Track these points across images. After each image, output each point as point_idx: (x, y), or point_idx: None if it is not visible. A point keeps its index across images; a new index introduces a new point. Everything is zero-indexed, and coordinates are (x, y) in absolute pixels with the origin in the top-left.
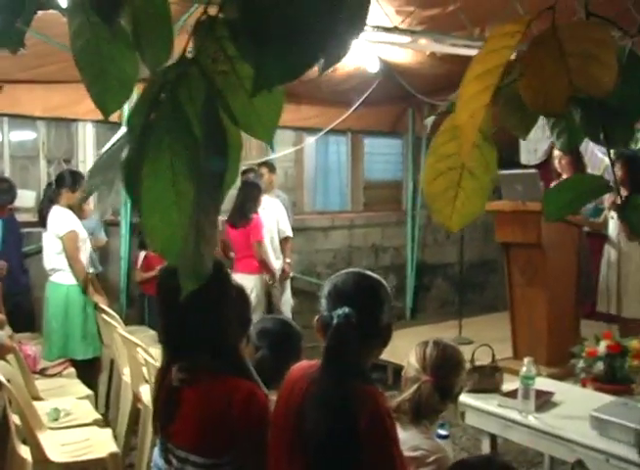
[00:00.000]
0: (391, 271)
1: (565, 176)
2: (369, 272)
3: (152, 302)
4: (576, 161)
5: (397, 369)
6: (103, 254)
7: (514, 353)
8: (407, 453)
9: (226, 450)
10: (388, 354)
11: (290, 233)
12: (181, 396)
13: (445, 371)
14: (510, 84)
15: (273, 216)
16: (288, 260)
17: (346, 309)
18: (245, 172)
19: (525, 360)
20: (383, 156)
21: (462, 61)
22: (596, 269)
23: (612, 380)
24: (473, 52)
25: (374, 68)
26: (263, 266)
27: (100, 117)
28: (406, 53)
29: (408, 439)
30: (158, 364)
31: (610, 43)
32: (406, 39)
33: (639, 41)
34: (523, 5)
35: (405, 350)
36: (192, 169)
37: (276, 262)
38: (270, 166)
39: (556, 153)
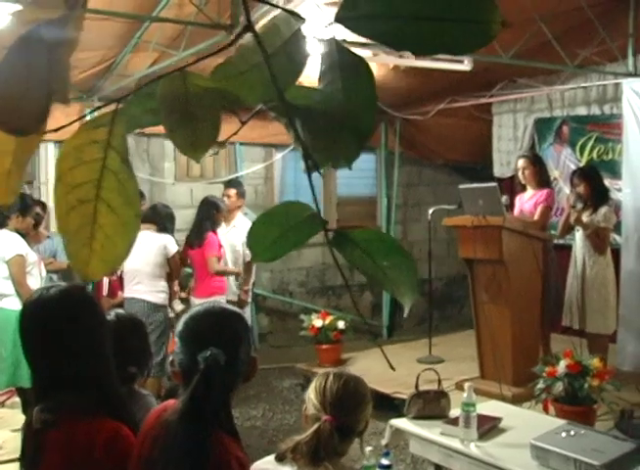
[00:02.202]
0: (367, 289)
1: (529, 188)
2: (225, 305)
3: None
4: (540, 172)
5: None
6: (66, 276)
7: (480, 373)
8: None
9: None
10: None
11: None
12: (45, 439)
13: (347, 408)
14: (172, 97)
15: (242, 235)
16: (246, 288)
17: (214, 350)
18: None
19: (466, 386)
20: (355, 171)
21: (427, 73)
22: (565, 283)
23: (573, 401)
24: (437, 64)
25: None
26: (224, 275)
27: (61, 137)
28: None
29: None
30: None
31: None
32: (367, 53)
33: None
34: None
35: (375, 372)
36: None
37: (235, 283)
38: (240, 193)
39: (519, 164)
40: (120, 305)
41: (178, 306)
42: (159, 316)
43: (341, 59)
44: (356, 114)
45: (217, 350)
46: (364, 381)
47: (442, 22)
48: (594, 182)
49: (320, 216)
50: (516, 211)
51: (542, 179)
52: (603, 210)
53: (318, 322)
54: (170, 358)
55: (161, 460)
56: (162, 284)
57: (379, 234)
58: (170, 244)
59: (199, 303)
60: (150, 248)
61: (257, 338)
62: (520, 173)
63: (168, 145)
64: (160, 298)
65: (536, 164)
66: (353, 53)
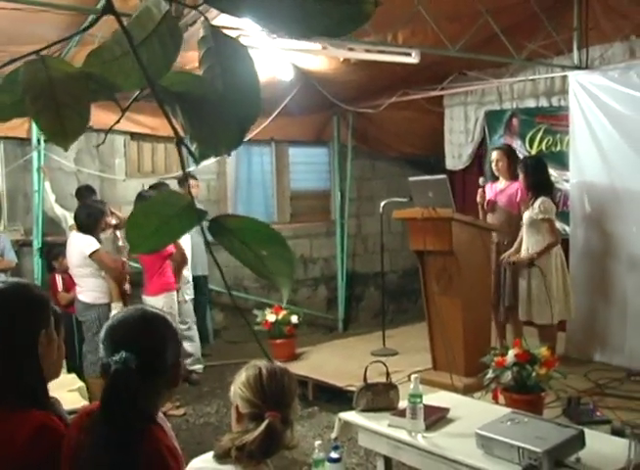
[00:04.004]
0: (322, 282)
1: (502, 180)
2: (151, 309)
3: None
4: (514, 164)
5: (319, 385)
6: (15, 275)
7: (433, 365)
8: None
9: None
10: (308, 370)
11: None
12: None
13: (286, 402)
14: (35, 83)
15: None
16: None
17: (124, 354)
18: (156, 186)
19: (412, 377)
20: (309, 165)
21: (378, 66)
22: None
23: (522, 389)
24: (385, 57)
25: (287, 76)
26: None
27: (7, 133)
28: (320, 60)
29: None
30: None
31: None
32: (317, 46)
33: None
34: (428, 10)
35: (329, 365)
36: None
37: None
38: (192, 176)
39: (493, 156)
40: (73, 299)
41: (116, 308)
42: (90, 315)
43: (217, 44)
44: (237, 101)
45: (128, 353)
46: (290, 370)
47: (315, 3)
48: (532, 173)
49: (195, 207)
50: (488, 197)
51: (514, 171)
52: (538, 201)
53: (271, 317)
54: (100, 363)
55: (92, 465)
56: (94, 283)
57: (255, 223)
58: (86, 245)
59: (150, 300)
60: (72, 250)
61: (212, 334)
62: (493, 165)
63: (119, 141)
64: (91, 296)
65: (510, 156)
66: (232, 38)
